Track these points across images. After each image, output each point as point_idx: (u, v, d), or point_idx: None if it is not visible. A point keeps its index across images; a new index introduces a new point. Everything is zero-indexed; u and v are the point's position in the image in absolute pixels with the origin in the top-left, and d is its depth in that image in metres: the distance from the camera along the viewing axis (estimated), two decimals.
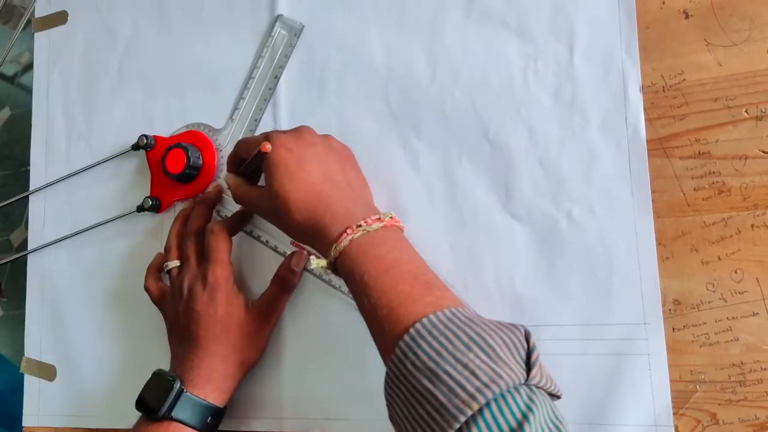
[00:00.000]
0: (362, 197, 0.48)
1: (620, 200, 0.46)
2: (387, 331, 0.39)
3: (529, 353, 0.37)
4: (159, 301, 0.55)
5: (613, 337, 0.45)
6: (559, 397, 0.38)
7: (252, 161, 0.49)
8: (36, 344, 0.63)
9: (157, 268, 0.56)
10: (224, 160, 0.57)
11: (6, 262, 0.65)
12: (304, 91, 0.56)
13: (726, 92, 0.44)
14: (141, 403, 0.49)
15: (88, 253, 0.62)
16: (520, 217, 0.48)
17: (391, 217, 0.44)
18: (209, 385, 0.49)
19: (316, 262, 0.44)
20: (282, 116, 0.56)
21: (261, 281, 0.54)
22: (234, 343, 0.50)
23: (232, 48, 0.59)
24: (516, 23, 0.50)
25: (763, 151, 0.43)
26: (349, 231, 0.42)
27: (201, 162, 0.57)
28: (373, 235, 0.42)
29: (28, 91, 0.68)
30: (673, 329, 0.44)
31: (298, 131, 0.48)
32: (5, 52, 0.69)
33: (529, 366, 0.36)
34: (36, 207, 0.65)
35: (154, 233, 0.59)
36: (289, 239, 0.54)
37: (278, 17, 0.57)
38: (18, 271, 0.65)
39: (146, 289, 0.55)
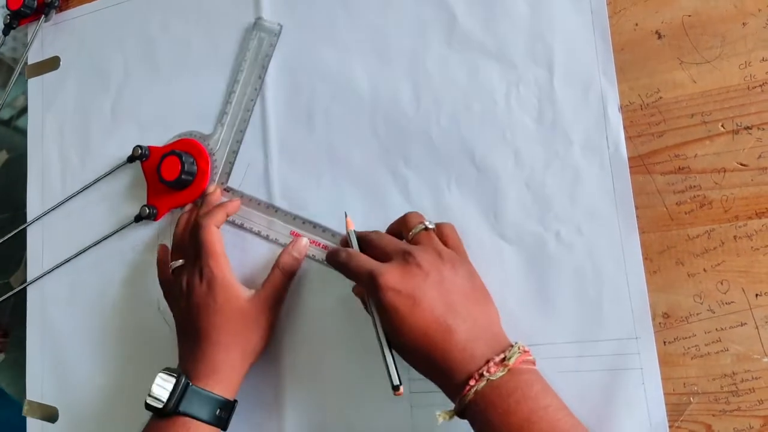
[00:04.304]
0: (485, 326, 0.43)
1: (606, 218, 0.47)
2: None
3: None
4: (168, 297, 0.56)
5: (606, 352, 0.45)
6: None
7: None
8: (37, 386, 0.63)
9: (162, 260, 0.58)
10: (218, 163, 0.59)
11: (7, 298, 0.66)
12: (292, 125, 0.57)
13: (701, 108, 0.46)
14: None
15: (86, 280, 0.63)
16: (510, 239, 0.49)
17: (519, 350, 0.41)
18: (214, 375, 0.49)
19: (443, 415, 0.42)
20: (273, 151, 0.57)
21: (260, 272, 0.55)
22: (236, 331, 0.51)
23: (216, 77, 0.60)
24: (496, 50, 0.51)
25: (741, 164, 0.44)
26: (472, 382, 0.39)
27: (195, 168, 0.58)
28: (498, 384, 0.39)
29: (24, 134, 0.69)
30: (664, 342, 0.44)
31: (406, 260, 0.43)
32: (2, 99, 0.70)
33: None
34: (33, 240, 0.66)
35: (151, 247, 0.60)
36: (287, 230, 0.55)
37: (257, 20, 0.59)
38: (20, 311, 0.66)
39: (160, 282, 0.57)
